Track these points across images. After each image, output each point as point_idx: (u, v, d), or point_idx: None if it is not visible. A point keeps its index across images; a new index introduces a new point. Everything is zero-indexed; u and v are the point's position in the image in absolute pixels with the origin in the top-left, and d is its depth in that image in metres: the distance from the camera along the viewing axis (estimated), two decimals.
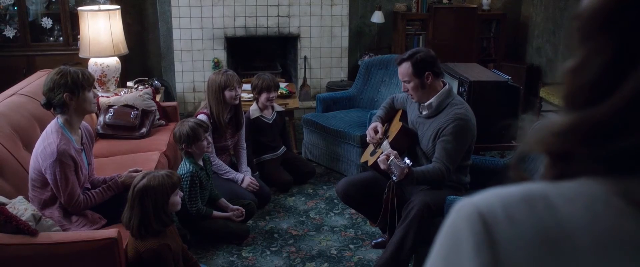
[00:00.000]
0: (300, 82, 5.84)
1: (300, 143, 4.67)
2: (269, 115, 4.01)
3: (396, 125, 3.03)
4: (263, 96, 3.89)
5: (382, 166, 2.58)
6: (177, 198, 2.47)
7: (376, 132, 3.04)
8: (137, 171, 2.86)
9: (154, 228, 2.37)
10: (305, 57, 5.80)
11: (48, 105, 2.62)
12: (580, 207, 0.49)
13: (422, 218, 2.63)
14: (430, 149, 2.81)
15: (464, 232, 0.50)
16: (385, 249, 2.74)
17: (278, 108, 4.13)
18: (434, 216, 2.70)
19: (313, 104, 5.45)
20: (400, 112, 3.15)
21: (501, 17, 6.28)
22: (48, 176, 2.54)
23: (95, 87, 2.94)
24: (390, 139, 2.91)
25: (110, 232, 2.30)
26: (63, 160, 2.52)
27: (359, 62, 6.24)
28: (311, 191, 4.04)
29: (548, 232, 0.48)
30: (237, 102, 3.62)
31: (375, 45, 6.22)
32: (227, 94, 3.52)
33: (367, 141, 3.11)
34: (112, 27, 4.13)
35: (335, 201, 3.85)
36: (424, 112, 2.87)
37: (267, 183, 3.83)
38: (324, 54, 5.85)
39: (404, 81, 2.81)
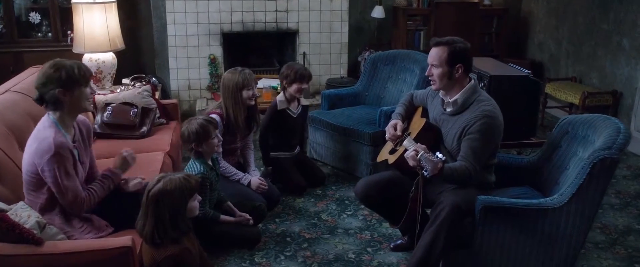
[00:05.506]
0: None
1: (305, 141, 4.50)
2: (295, 109, 3.82)
3: (418, 122, 2.88)
4: (294, 87, 3.70)
5: (411, 162, 2.43)
6: (195, 203, 2.28)
7: (396, 129, 2.89)
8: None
9: (170, 235, 2.18)
10: (304, 53, 5.63)
11: (40, 100, 2.40)
12: None
13: (453, 219, 2.49)
14: (455, 147, 2.68)
15: None
16: (414, 253, 2.58)
17: (304, 102, 3.94)
18: (465, 216, 2.56)
19: (315, 101, 5.29)
20: (420, 109, 3.01)
21: (502, 12, 6.18)
22: (47, 175, 2.30)
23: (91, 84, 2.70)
24: (413, 135, 2.76)
25: (124, 240, 2.10)
26: (62, 153, 2.29)
27: (359, 58, 6.10)
28: (320, 191, 3.87)
29: None
30: (253, 102, 3.44)
31: (375, 40, 6.07)
32: (245, 93, 3.35)
33: (386, 138, 2.95)
34: (108, 21, 3.92)
35: (347, 202, 3.69)
36: (449, 109, 2.73)
37: (280, 183, 3.64)
38: (323, 50, 5.68)
39: (433, 65, 2.67)
